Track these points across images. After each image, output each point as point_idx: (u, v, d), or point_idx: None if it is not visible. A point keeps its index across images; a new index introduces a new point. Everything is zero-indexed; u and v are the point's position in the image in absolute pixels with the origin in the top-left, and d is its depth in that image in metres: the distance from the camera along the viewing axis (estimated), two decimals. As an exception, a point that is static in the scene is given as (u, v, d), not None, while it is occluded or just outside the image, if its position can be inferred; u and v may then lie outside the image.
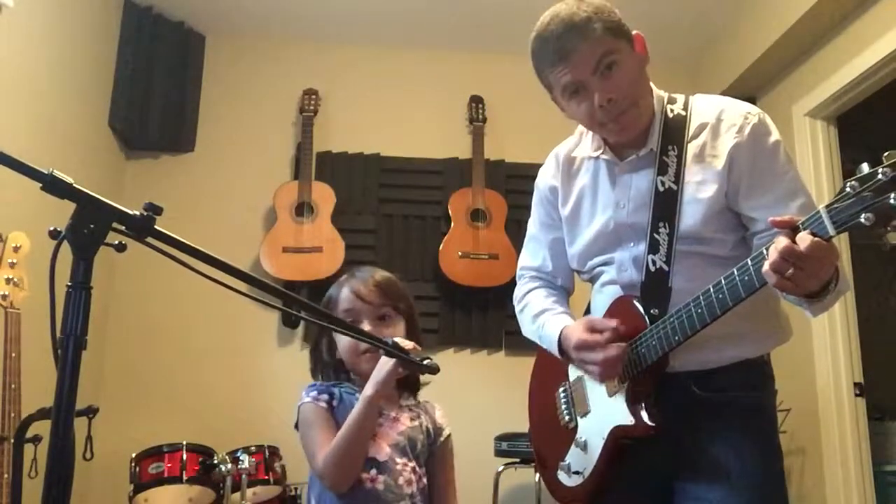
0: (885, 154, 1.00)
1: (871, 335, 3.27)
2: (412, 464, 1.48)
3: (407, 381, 1.58)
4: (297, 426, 1.51)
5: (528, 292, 1.70)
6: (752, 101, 3.55)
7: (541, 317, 1.61)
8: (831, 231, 1.06)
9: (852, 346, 3.11)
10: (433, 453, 1.56)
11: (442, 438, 1.59)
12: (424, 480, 1.50)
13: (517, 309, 1.72)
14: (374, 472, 1.43)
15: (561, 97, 1.47)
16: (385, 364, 1.40)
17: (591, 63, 1.38)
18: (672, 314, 1.34)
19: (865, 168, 1.02)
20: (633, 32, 1.45)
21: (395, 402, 1.55)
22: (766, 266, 1.12)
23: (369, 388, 1.41)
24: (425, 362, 1.31)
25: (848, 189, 1.03)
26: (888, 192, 0.98)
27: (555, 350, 1.54)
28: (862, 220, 1.01)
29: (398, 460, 1.46)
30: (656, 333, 1.36)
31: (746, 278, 1.20)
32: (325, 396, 1.49)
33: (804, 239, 1.06)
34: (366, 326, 1.50)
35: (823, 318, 3.04)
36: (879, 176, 0.99)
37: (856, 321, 3.14)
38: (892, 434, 3.76)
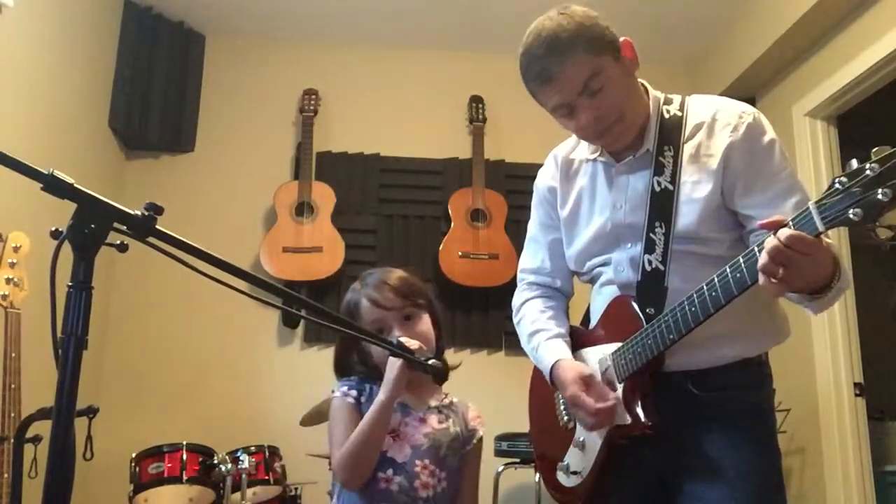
0: (874, 150, 0.99)
1: (871, 335, 3.27)
2: (433, 467, 1.46)
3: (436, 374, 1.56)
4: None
5: (524, 303, 1.69)
6: (752, 101, 3.55)
7: (534, 338, 1.61)
8: (820, 227, 1.05)
9: (852, 346, 3.12)
10: (462, 456, 1.53)
11: (475, 441, 1.56)
12: (445, 484, 1.47)
13: (515, 320, 1.72)
14: (390, 472, 1.42)
15: (551, 113, 1.47)
16: (394, 365, 1.40)
17: (576, 86, 1.38)
18: (666, 313, 1.34)
19: (854, 164, 1.02)
20: (621, 39, 1.44)
21: (425, 402, 1.53)
22: (759, 272, 1.12)
23: (383, 393, 1.40)
24: (430, 362, 1.30)
25: (837, 185, 1.03)
26: (876, 188, 0.98)
27: (547, 377, 1.55)
28: (850, 215, 1.01)
29: (418, 462, 1.44)
30: (651, 332, 1.36)
31: (738, 276, 1.20)
32: (355, 392, 1.48)
33: (785, 234, 1.07)
34: (396, 331, 1.48)
35: (823, 317, 3.04)
36: (867, 171, 0.99)
37: (856, 321, 3.14)
38: (892, 434, 3.76)
